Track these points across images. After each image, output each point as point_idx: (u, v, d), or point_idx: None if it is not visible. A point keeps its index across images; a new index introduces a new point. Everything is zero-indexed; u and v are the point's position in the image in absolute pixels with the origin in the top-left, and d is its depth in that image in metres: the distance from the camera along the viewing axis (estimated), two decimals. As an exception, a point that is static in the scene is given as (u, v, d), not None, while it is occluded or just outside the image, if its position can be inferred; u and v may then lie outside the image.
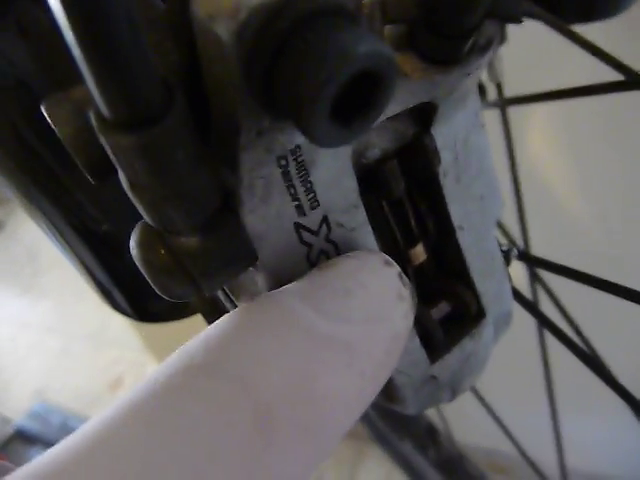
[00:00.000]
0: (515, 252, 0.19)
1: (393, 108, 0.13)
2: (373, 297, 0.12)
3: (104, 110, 0.09)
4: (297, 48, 0.09)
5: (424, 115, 0.14)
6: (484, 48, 0.12)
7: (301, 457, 0.10)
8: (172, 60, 0.11)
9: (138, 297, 0.22)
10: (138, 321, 0.23)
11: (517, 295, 0.23)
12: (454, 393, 0.19)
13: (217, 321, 0.13)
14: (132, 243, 0.13)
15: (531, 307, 0.23)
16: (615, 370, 0.30)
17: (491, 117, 0.34)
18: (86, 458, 0.10)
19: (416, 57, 0.12)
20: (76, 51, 0.08)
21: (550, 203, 0.70)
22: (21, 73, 0.15)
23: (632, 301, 0.19)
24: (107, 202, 0.16)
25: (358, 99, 0.10)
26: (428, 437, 0.64)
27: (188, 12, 0.10)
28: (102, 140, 0.10)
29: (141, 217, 0.12)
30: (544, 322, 0.23)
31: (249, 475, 0.10)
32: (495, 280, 0.18)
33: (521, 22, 0.11)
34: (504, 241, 0.33)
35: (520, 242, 0.35)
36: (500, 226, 0.33)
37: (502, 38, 0.35)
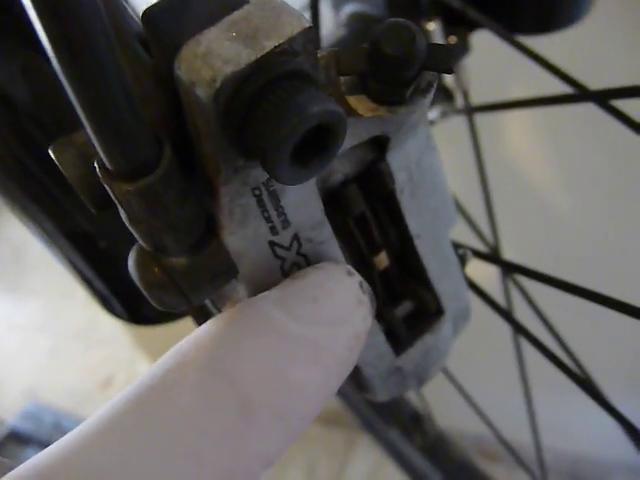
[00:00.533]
0: (470, 255, 0.21)
1: (350, 141, 0.15)
2: (336, 303, 0.15)
3: (107, 163, 0.11)
4: (263, 108, 0.11)
5: (379, 144, 0.16)
6: (425, 90, 0.15)
7: (276, 437, 0.13)
8: (160, 108, 0.14)
9: (133, 303, 0.24)
10: (134, 324, 0.25)
11: (491, 304, 0.25)
12: (420, 381, 0.22)
13: (205, 324, 0.15)
14: (130, 263, 0.15)
15: (506, 314, 0.25)
16: (590, 368, 0.33)
17: (479, 120, 0.37)
18: (86, 450, 0.12)
19: (367, 99, 0.14)
20: (80, 116, 0.10)
21: (531, 200, 0.72)
22: (26, 111, 0.17)
23: (603, 305, 0.21)
24: (104, 222, 0.18)
25: (315, 142, 0.12)
26: (413, 424, 0.66)
27: (173, 70, 0.12)
28: (105, 185, 0.12)
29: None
30: (519, 329, 0.25)
31: (234, 452, 0.12)
32: (452, 281, 0.21)
33: (453, 72, 0.13)
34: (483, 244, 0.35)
35: (490, 241, 0.37)
36: (476, 231, 0.36)
37: (466, 49, 0.37)
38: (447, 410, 0.64)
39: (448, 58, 0.13)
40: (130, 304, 0.24)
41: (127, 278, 0.19)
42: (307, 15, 0.35)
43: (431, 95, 0.15)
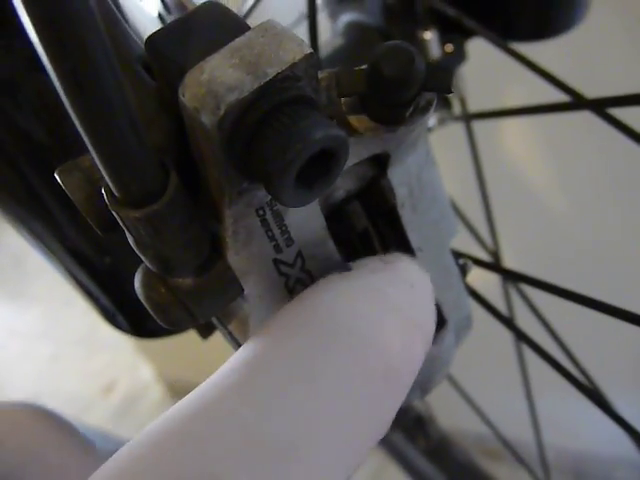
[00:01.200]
0: (470, 265, 0.22)
1: (351, 160, 0.15)
2: (426, 290, 0.16)
3: (113, 190, 0.11)
4: (267, 134, 0.12)
5: (380, 161, 0.16)
6: (425, 109, 0.15)
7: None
8: (163, 131, 0.14)
9: (138, 318, 0.24)
10: (138, 338, 0.25)
11: (493, 311, 0.25)
12: (424, 391, 0.22)
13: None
14: (136, 283, 0.15)
15: (508, 322, 0.26)
16: (592, 373, 0.33)
17: (477, 125, 0.37)
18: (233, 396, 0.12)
19: (367, 119, 0.15)
20: (87, 144, 0.11)
21: (530, 205, 0.72)
22: (34, 136, 0.17)
23: (605, 313, 0.22)
24: (109, 240, 0.18)
25: (318, 165, 0.13)
26: (417, 427, 0.66)
27: (177, 95, 0.13)
28: (112, 212, 0.12)
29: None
30: (521, 337, 0.25)
31: (371, 408, 0.13)
32: (453, 291, 0.21)
33: (452, 92, 0.14)
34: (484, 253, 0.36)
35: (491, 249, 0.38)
36: (477, 238, 0.36)
37: (462, 56, 0.37)
38: (449, 409, 0.64)
39: (447, 79, 0.14)
40: (135, 318, 0.24)
41: (131, 293, 0.20)
42: (305, 25, 0.35)
43: (430, 113, 0.15)
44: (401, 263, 0.16)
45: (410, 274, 0.16)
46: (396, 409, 0.14)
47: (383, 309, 0.14)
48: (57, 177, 0.14)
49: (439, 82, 0.14)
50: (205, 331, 0.24)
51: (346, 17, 0.37)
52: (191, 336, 0.28)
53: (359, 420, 0.13)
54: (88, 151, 0.13)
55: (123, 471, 0.11)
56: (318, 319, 0.14)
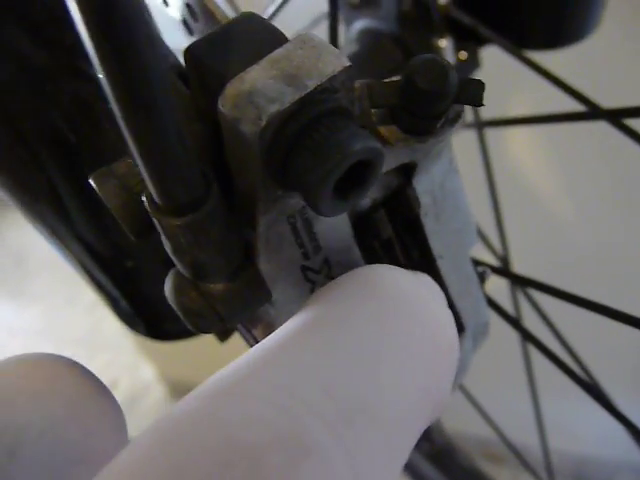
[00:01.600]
0: (489, 273, 0.22)
1: None
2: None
3: (156, 199, 0.12)
4: (306, 145, 0.12)
5: (406, 170, 0.17)
6: (454, 120, 0.15)
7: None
8: (198, 140, 0.14)
9: (156, 321, 0.24)
10: (155, 341, 0.25)
11: (500, 312, 0.26)
12: None
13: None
14: (167, 288, 0.15)
15: (514, 322, 0.26)
16: (597, 373, 0.33)
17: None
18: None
19: (398, 130, 0.15)
20: (135, 156, 0.11)
21: (538, 211, 0.72)
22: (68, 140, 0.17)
23: (612, 319, 0.22)
24: (133, 245, 0.18)
25: (354, 175, 0.13)
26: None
27: (215, 105, 0.13)
28: (154, 219, 0.12)
29: (164, 255, 0.15)
30: (528, 337, 0.25)
31: (434, 376, 0.13)
32: (472, 298, 0.21)
33: (483, 105, 0.14)
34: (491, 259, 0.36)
35: (500, 254, 0.38)
36: (487, 244, 0.36)
37: (476, 64, 0.37)
38: (453, 413, 0.64)
39: (479, 91, 0.14)
40: (153, 321, 0.24)
41: (151, 296, 0.20)
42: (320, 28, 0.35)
43: (458, 124, 0.15)
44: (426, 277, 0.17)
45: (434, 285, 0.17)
46: (449, 382, 0.14)
47: (428, 291, 0.15)
48: (92, 183, 0.14)
49: (471, 95, 0.14)
50: (224, 335, 0.24)
51: (360, 23, 0.37)
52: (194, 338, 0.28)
53: (425, 387, 0.13)
54: (119, 156, 0.14)
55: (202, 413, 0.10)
56: (379, 285, 0.14)
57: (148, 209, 0.12)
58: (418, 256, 0.19)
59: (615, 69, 0.56)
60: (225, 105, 0.12)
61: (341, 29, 0.39)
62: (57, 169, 0.18)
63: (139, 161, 0.11)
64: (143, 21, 0.09)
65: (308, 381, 0.11)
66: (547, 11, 0.34)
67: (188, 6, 0.19)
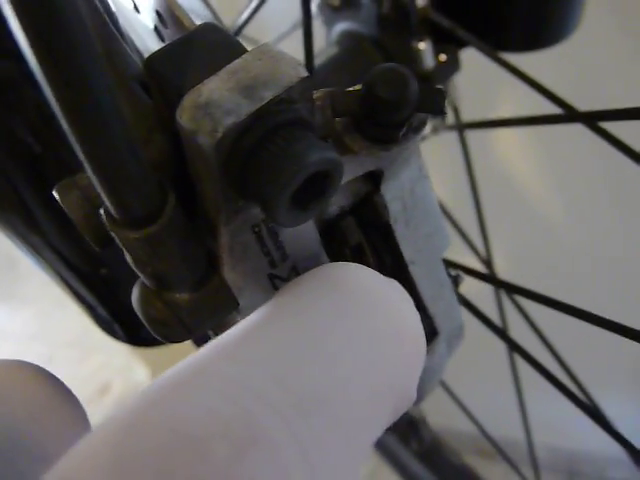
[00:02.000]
0: (462, 277, 0.22)
1: (346, 177, 0.16)
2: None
3: (112, 212, 0.12)
4: (262, 157, 0.12)
5: (374, 177, 0.17)
6: (417, 129, 0.15)
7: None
8: (161, 149, 0.14)
9: (134, 327, 0.24)
10: (134, 346, 0.25)
11: (487, 322, 0.26)
12: (417, 399, 0.22)
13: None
14: (133, 298, 0.15)
15: (501, 333, 0.26)
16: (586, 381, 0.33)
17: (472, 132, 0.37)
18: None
19: (362, 139, 0.15)
20: (86, 168, 0.11)
21: (523, 212, 0.73)
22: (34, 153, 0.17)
23: (598, 325, 0.22)
24: (105, 253, 0.18)
25: (313, 186, 0.13)
26: (410, 430, 0.67)
27: (174, 115, 0.13)
28: (111, 232, 0.12)
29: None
30: (515, 348, 0.25)
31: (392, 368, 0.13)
32: (445, 302, 0.21)
33: (445, 114, 0.14)
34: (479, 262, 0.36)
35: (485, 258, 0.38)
36: (472, 249, 0.36)
37: (456, 66, 0.37)
38: (444, 409, 0.65)
39: (440, 100, 0.14)
40: (130, 327, 0.24)
41: (127, 303, 0.20)
42: (298, 33, 0.35)
43: (423, 132, 0.15)
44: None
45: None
46: (414, 380, 0.14)
47: (394, 290, 0.15)
48: (55, 195, 0.14)
49: (432, 104, 0.14)
50: (201, 341, 0.24)
51: (341, 26, 0.37)
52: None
53: (388, 383, 0.13)
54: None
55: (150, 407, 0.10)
56: (342, 280, 0.14)
57: (105, 223, 0.12)
58: (390, 262, 0.19)
59: (599, 67, 0.57)
60: (182, 117, 0.12)
61: (322, 31, 0.39)
62: (23, 179, 0.18)
63: (88, 171, 0.11)
64: (85, 35, 0.09)
65: (261, 372, 0.11)
66: (525, 13, 0.34)
67: (158, 13, 0.19)
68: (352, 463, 0.12)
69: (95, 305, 0.22)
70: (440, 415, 0.63)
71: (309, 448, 0.10)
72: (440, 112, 0.14)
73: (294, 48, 0.30)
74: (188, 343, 0.31)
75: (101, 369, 1.52)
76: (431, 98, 0.14)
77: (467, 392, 0.47)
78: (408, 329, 0.14)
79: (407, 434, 0.67)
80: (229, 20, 0.33)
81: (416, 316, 0.15)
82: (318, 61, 0.35)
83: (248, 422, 0.10)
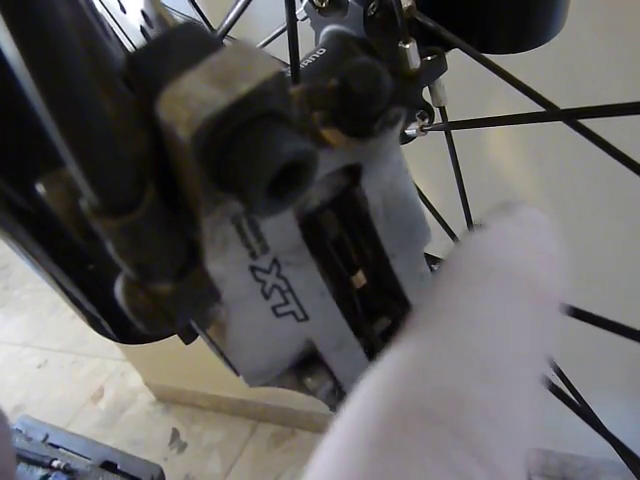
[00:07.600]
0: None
1: (324, 170, 0.16)
2: None
3: (91, 201, 0.12)
4: (238, 147, 0.12)
5: (353, 171, 0.17)
6: (393, 122, 0.15)
7: None
8: (143, 142, 0.14)
9: (122, 324, 0.24)
10: (123, 344, 0.26)
11: None
12: None
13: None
14: (116, 290, 0.16)
15: None
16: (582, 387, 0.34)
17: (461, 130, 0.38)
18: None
19: (339, 132, 0.15)
20: (63, 155, 0.11)
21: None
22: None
23: (593, 324, 0.22)
24: (92, 248, 0.19)
25: (289, 176, 0.13)
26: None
27: (154, 109, 0.13)
28: (91, 221, 0.13)
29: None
30: None
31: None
32: None
33: (420, 106, 0.14)
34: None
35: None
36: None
37: (442, 67, 0.38)
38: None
39: (415, 93, 0.14)
40: (119, 325, 0.25)
41: (115, 300, 0.20)
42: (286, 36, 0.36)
43: (400, 126, 0.16)
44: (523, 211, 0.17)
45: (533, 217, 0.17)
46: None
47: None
48: (39, 189, 0.14)
49: (406, 97, 0.14)
50: (188, 337, 0.24)
51: (328, 27, 0.38)
52: (178, 343, 0.28)
53: (538, 342, 0.15)
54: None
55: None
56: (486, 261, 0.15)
57: (85, 211, 0.12)
58: (371, 255, 0.20)
59: (585, 65, 0.57)
60: (161, 109, 0.13)
61: (311, 33, 0.40)
62: (7, 172, 0.18)
63: (67, 160, 0.11)
64: (58, 25, 0.09)
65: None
66: (509, 15, 0.35)
67: (143, 14, 0.19)
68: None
69: (83, 302, 0.23)
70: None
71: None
72: (414, 105, 0.14)
73: (285, 50, 0.30)
74: (179, 346, 0.31)
75: (94, 375, 1.52)
76: (405, 91, 0.14)
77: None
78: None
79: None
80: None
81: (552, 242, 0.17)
82: (305, 62, 0.36)
83: None
